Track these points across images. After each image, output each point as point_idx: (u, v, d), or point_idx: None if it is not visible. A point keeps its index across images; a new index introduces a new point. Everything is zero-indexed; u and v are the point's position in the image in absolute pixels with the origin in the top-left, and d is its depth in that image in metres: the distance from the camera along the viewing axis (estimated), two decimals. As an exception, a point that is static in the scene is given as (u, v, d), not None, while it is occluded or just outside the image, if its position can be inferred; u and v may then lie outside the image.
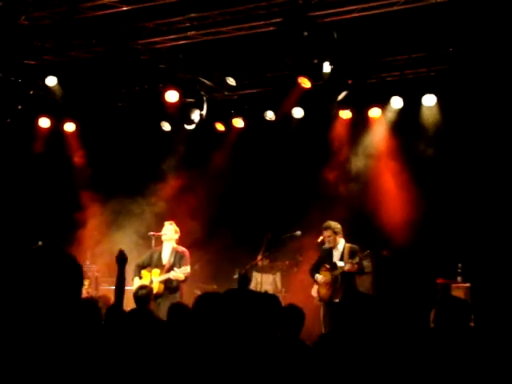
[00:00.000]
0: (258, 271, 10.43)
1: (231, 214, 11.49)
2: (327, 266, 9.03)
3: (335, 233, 9.01)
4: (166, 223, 9.43)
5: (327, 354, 3.48)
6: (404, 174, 9.87)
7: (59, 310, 2.25)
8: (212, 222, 11.03)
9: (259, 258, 10.12)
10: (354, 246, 8.97)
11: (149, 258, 9.33)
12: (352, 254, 8.85)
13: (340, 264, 8.88)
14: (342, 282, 8.78)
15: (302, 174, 11.04)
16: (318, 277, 9.08)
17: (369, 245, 8.97)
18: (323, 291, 8.98)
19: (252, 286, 10.55)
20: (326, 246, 9.15)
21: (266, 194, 11.30)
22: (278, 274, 10.61)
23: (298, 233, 9.82)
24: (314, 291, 9.49)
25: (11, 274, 2.27)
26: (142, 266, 9.27)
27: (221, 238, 11.07)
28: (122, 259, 5.57)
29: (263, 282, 10.25)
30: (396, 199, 9.80)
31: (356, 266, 8.70)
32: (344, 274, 8.78)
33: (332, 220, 9.34)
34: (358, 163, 10.44)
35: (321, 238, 9.58)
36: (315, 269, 9.18)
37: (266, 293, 5.02)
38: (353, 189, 10.30)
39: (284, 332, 4.56)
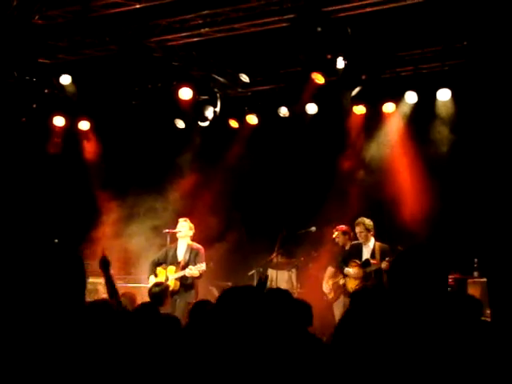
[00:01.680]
0: (272, 268, 10.42)
1: (246, 211, 11.53)
2: (357, 262, 9.12)
3: (367, 229, 9.12)
4: (181, 220, 9.49)
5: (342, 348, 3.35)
6: (419, 169, 9.84)
7: (61, 309, 2.31)
8: (227, 219, 11.10)
9: (274, 254, 10.14)
10: (384, 245, 9.05)
11: (164, 255, 9.39)
12: (383, 252, 8.92)
13: (372, 261, 8.96)
14: (375, 279, 8.87)
15: (316, 170, 11.06)
16: (350, 270, 9.17)
17: (387, 240, 9.09)
18: (352, 285, 9.03)
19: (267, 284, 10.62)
20: (355, 241, 9.25)
21: (280, 190, 11.31)
22: (294, 271, 10.62)
23: (313, 229, 9.91)
24: (325, 287, 9.69)
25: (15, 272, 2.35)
26: (157, 263, 9.34)
27: (236, 235, 11.15)
28: (104, 263, 5.36)
29: (278, 278, 10.23)
30: (412, 194, 9.79)
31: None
32: (377, 271, 8.86)
33: (347, 215, 9.52)
34: (372, 158, 10.39)
35: (336, 233, 9.77)
36: (344, 262, 9.25)
37: (278, 288, 4.97)
38: (368, 185, 10.25)
39: (292, 326, 4.50)
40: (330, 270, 9.78)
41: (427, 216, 9.46)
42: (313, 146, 10.99)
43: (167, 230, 9.59)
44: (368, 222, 9.14)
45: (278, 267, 10.33)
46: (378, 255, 8.96)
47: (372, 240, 9.15)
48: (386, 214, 9.67)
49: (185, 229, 9.39)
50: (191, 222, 9.54)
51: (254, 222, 11.37)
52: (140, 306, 5.09)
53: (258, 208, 11.39)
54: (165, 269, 9.22)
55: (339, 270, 9.35)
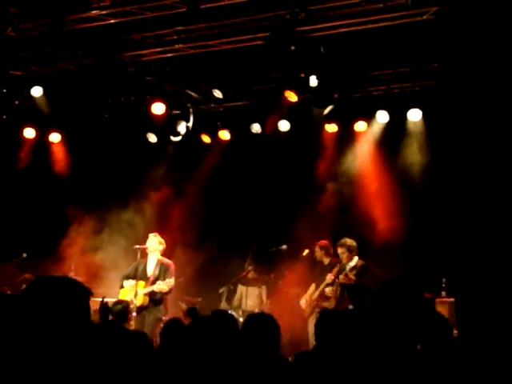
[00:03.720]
0: (243, 284, 10.44)
1: (217, 227, 11.49)
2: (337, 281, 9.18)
3: (349, 250, 9.13)
4: (151, 235, 9.50)
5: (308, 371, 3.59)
6: (390, 188, 9.94)
7: (69, 336, 2.38)
8: (198, 235, 11.07)
9: (246, 271, 10.17)
10: (363, 262, 9.12)
11: (134, 269, 9.37)
12: (362, 269, 8.99)
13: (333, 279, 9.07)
14: (348, 296, 8.96)
15: (287, 187, 11.07)
16: (326, 289, 9.23)
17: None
18: (330, 305, 9.10)
19: (236, 299, 10.68)
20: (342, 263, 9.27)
21: (251, 206, 11.30)
22: (264, 287, 10.64)
23: (284, 247, 9.89)
24: (302, 303, 9.62)
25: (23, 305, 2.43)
26: (127, 278, 9.32)
27: (206, 251, 11.16)
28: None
29: (248, 294, 10.24)
30: (382, 212, 9.86)
31: (353, 278, 8.80)
32: (343, 287, 8.96)
33: (318, 233, 9.58)
34: (344, 176, 10.50)
35: (306, 251, 9.76)
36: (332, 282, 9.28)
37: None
38: (340, 203, 10.34)
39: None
40: (313, 286, 9.70)
41: (397, 234, 9.56)
42: (285, 163, 11.04)
43: (138, 246, 9.52)
44: (350, 242, 9.15)
45: (248, 283, 10.34)
46: (357, 272, 9.04)
47: (355, 259, 9.19)
48: (358, 231, 9.67)
49: (154, 244, 9.40)
50: (162, 236, 9.57)
51: (225, 239, 11.35)
52: (104, 323, 5.08)
53: (229, 224, 11.38)
54: (135, 284, 9.18)
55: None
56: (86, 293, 2.50)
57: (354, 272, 8.86)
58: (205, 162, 11.44)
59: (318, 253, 9.68)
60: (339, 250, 9.17)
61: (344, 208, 10.25)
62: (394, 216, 9.65)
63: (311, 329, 9.16)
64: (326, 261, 9.63)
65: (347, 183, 10.43)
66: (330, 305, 9.07)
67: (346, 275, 8.83)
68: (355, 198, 10.20)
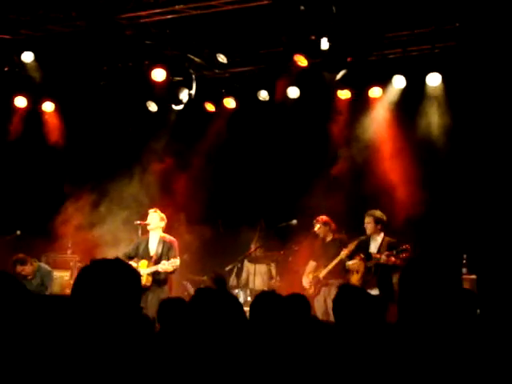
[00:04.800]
0: (251, 262, 10.42)
1: (222, 201, 11.47)
2: (362, 256, 9.07)
3: (376, 221, 9.03)
4: (150, 211, 9.40)
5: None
6: (407, 158, 9.81)
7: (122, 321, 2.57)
8: (202, 209, 10.96)
9: (252, 248, 10.13)
10: (392, 239, 8.99)
11: (135, 248, 9.30)
12: (390, 247, 8.86)
13: (375, 255, 8.89)
14: (375, 274, 8.83)
15: (297, 157, 11.01)
16: (349, 262, 9.14)
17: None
18: (354, 279, 9.02)
19: (243, 278, 10.64)
20: (363, 236, 9.20)
21: (259, 179, 11.29)
22: (273, 265, 10.62)
23: (294, 222, 9.87)
24: (305, 281, 9.68)
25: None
26: (128, 257, 9.18)
27: (212, 226, 11.15)
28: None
29: (256, 272, 10.23)
30: (399, 184, 9.75)
31: (393, 259, 8.64)
32: (379, 265, 8.80)
33: (330, 208, 9.51)
34: (358, 147, 10.36)
35: (317, 226, 9.69)
36: (350, 258, 9.21)
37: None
38: (353, 174, 10.27)
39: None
40: (312, 264, 9.74)
41: (415, 207, 9.46)
42: (294, 133, 10.95)
43: (139, 222, 9.41)
44: (380, 214, 9.08)
45: (256, 261, 10.35)
46: (383, 249, 8.91)
47: (381, 235, 9.09)
48: (372, 205, 9.51)
49: (155, 220, 9.29)
50: (165, 211, 9.49)
51: (231, 212, 11.34)
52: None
53: (235, 198, 11.38)
54: (137, 263, 9.10)
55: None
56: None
57: (388, 252, 8.74)
58: (209, 132, 11.33)
59: (322, 229, 9.68)
60: (366, 220, 9.10)
61: (359, 179, 10.18)
62: (412, 187, 9.54)
63: (319, 308, 9.33)
64: (329, 237, 9.67)
65: (362, 153, 10.31)
66: (355, 279, 9.03)
67: (389, 256, 8.67)
68: (371, 169, 10.10)
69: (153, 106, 10.94)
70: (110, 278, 2.60)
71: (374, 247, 9.09)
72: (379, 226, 9.05)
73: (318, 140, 10.72)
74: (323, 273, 9.46)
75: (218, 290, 3.98)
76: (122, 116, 11.34)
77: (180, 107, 10.68)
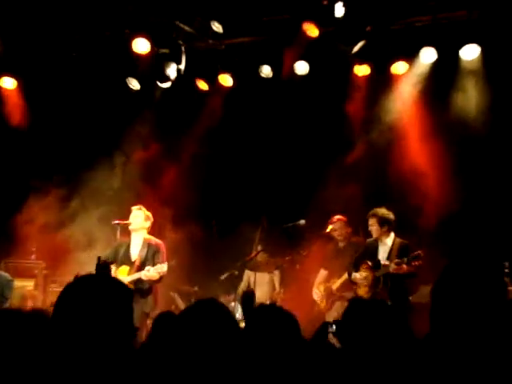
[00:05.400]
0: (251, 269, 10.41)
1: (217, 196, 11.56)
2: (369, 264, 9.08)
3: (381, 223, 9.03)
4: (134, 208, 9.43)
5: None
6: (437, 146, 9.83)
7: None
8: (193, 206, 11.05)
9: (253, 253, 10.14)
10: (405, 242, 8.99)
11: (114, 252, 9.34)
12: (402, 251, 8.85)
13: (384, 262, 8.91)
14: (385, 285, 8.84)
15: (306, 145, 11.06)
16: (357, 275, 9.13)
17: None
18: (361, 292, 9.04)
19: (242, 288, 10.71)
20: (370, 239, 9.25)
21: (261, 170, 11.36)
22: (277, 273, 10.67)
23: (302, 222, 9.82)
24: (315, 294, 9.80)
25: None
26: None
27: (204, 227, 11.24)
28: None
29: (258, 282, 10.20)
30: (428, 177, 9.83)
31: (405, 267, 8.63)
32: (388, 275, 8.83)
33: (346, 204, 9.62)
34: (378, 133, 10.40)
35: (330, 227, 9.76)
36: (354, 265, 9.22)
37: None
38: (373, 166, 10.35)
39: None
40: (323, 273, 9.81)
41: (447, 203, 9.54)
42: (303, 116, 10.98)
43: (117, 222, 9.41)
44: (383, 212, 9.06)
45: (257, 268, 10.29)
46: (394, 254, 8.93)
47: (391, 236, 9.10)
48: (395, 202, 9.60)
49: (139, 220, 9.34)
50: (149, 209, 9.51)
51: (228, 210, 11.40)
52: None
53: (233, 192, 11.46)
54: (115, 270, 9.17)
55: (348, 276, 9.32)
56: (130, 294, 2.86)
57: (398, 260, 8.73)
58: (202, 115, 11.36)
59: (337, 231, 9.76)
60: (369, 222, 9.13)
61: (380, 169, 10.28)
62: (444, 178, 9.64)
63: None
64: (345, 241, 9.80)
65: (383, 137, 10.34)
66: (363, 292, 9.09)
67: (399, 264, 8.67)
68: (394, 157, 10.13)
69: (135, 84, 10.94)
70: (97, 298, 2.70)
71: (383, 252, 9.11)
72: (385, 228, 9.06)
73: (332, 123, 10.76)
74: (337, 284, 9.51)
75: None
76: (98, 95, 11.36)
77: (167, 85, 10.68)
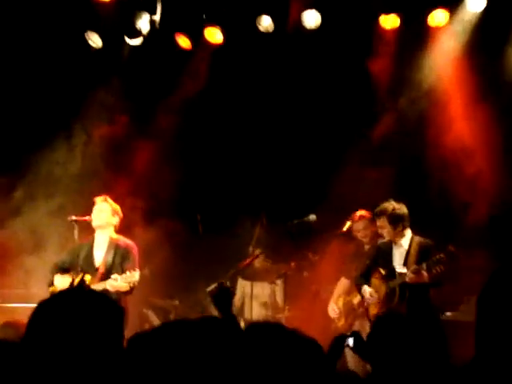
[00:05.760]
0: (247, 278, 10.23)
1: (203, 185, 11.35)
2: (382, 272, 8.66)
3: (392, 221, 8.51)
4: (98, 200, 9.06)
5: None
6: (486, 114, 9.60)
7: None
8: (172, 199, 10.81)
9: (250, 257, 9.68)
10: (426, 240, 8.52)
11: (72, 256, 8.98)
12: (423, 254, 8.34)
13: (400, 270, 8.45)
14: (401, 299, 8.36)
15: (318, 117, 10.79)
16: (367, 289, 8.73)
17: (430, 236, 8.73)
18: (374, 311, 8.67)
19: (236, 302, 10.31)
20: (383, 240, 8.86)
21: (259, 153, 11.12)
22: (279, 283, 10.33)
23: (312, 217, 9.55)
24: (331, 309, 9.48)
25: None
26: (61, 270, 8.91)
27: (186, 225, 10.97)
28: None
29: (255, 295, 10.09)
30: (474, 155, 9.68)
31: (425, 275, 8.12)
32: (405, 286, 8.34)
33: (368, 198, 9.34)
34: (410, 102, 10.23)
35: (348, 224, 9.35)
36: (364, 275, 8.86)
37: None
38: (402, 146, 10.14)
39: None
40: (344, 282, 9.54)
41: (498, 190, 9.46)
42: (314, 79, 10.68)
43: (74, 218, 8.98)
44: (394, 207, 8.56)
45: (254, 277, 10.14)
46: (413, 258, 8.43)
47: (407, 235, 8.60)
48: (431, 189, 9.66)
49: (104, 214, 8.98)
50: (117, 201, 9.19)
51: (216, 202, 11.21)
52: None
53: (223, 180, 11.24)
54: (74, 279, 8.68)
55: (356, 288, 9.07)
56: (120, 312, 2.88)
57: (417, 267, 8.20)
58: (182, 79, 11.06)
59: (360, 231, 9.34)
60: (377, 223, 8.75)
61: (410, 152, 10.11)
62: (495, 157, 9.54)
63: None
64: (370, 243, 9.40)
65: (417, 106, 10.18)
66: (374, 308, 8.75)
67: (417, 271, 8.19)
68: (431, 131, 9.99)
69: (96, 40, 10.76)
70: (81, 320, 2.70)
71: (399, 257, 8.68)
72: (400, 227, 8.56)
73: (350, 89, 10.58)
74: (359, 297, 9.09)
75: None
76: (50, 54, 10.95)
77: (138, 41, 10.59)
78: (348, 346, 5.00)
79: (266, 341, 3.56)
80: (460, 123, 9.96)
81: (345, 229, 9.28)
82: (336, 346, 5.03)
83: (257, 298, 10.14)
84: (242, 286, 10.46)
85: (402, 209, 8.57)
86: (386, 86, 10.41)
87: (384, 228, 8.59)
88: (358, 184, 9.86)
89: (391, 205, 8.58)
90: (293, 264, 10.01)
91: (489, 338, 2.77)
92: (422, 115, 10.22)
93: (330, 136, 10.78)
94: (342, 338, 5.10)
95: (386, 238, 8.75)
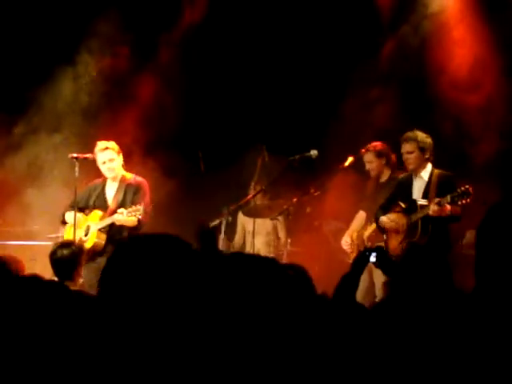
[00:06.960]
0: (248, 214, 10.11)
1: (204, 118, 11.30)
2: (402, 206, 8.53)
3: (421, 149, 8.42)
4: (99, 149, 8.99)
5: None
6: (493, 58, 9.56)
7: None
8: (172, 133, 10.81)
9: (252, 193, 9.89)
10: (446, 173, 8.47)
11: (86, 196, 9.10)
12: (444, 186, 8.25)
13: (422, 202, 8.32)
14: (424, 233, 8.22)
15: (318, 43, 10.73)
16: (383, 219, 8.66)
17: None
18: (393, 244, 8.60)
19: (238, 239, 10.72)
20: (404, 174, 8.82)
21: (260, 84, 11.04)
22: (281, 219, 10.24)
23: (314, 153, 9.28)
24: (344, 242, 9.53)
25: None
26: (75, 210, 8.96)
27: (187, 160, 11.10)
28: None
29: (257, 231, 10.08)
30: (483, 91, 9.51)
31: (448, 208, 7.96)
32: (428, 219, 8.18)
33: (373, 133, 9.44)
34: (415, 20, 10.09)
35: (350, 159, 9.32)
36: (384, 208, 8.78)
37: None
38: (409, 81, 10.01)
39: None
40: (361, 216, 9.48)
41: (509, 125, 9.41)
42: (315, 9, 10.57)
43: (75, 155, 8.99)
44: (423, 135, 8.46)
45: (256, 214, 10.05)
46: (434, 191, 8.35)
47: (428, 167, 8.53)
48: (437, 129, 9.22)
49: (113, 164, 8.97)
50: (114, 138, 9.19)
51: (217, 137, 11.20)
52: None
53: (224, 113, 11.19)
54: (87, 216, 8.98)
55: (375, 222, 8.92)
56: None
57: (440, 199, 8.05)
58: (184, 12, 10.95)
59: (374, 163, 9.29)
60: (406, 147, 8.55)
61: (415, 78, 10.00)
62: (506, 89, 9.40)
63: (362, 285, 8.32)
64: (386, 174, 9.35)
65: (421, 35, 10.01)
66: (395, 243, 8.63)
67: (441, 204, 7.98)
68: (436, 76, 9.75)
69: None
70: (166, 264, 2.59)
71: (418, 189, 8.58)
72: (427, 155, 8.48)
73: (352, 10, 10.38)
74: (369, 230, 9.21)
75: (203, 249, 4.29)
76: None
77: None
78: (371, 261, 5.06)
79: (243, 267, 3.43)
80: (468, 47, 9.77)
81: (347, 164, 9.28)
82: (359, 260, 5.07)
83: (258, 234, 10.21)
84: (243, 222, 10.57)
85: (429, 138, 8.54)
86: (386, 10, 10.15)
87: (412, 154, 8.49)
88: (358, 120, 9.84)
89: (421, 132, 8.56)
90: (295, 200, 9.78)
91: (487, 268, 2.85)
92: (425, 40, 10.01)
93: (332, 64, 10.59)
94: (365, 253, 5.16)
95: (413, 167, 8.58)
